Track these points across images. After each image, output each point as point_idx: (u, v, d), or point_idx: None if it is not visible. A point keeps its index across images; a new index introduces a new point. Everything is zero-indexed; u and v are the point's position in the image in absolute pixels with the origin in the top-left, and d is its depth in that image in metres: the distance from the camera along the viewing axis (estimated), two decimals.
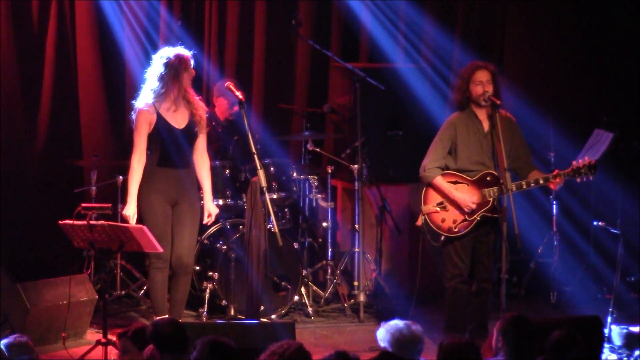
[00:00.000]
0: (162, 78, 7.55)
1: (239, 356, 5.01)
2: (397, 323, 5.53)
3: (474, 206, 7.41)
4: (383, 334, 5.51)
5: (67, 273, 8.01)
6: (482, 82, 7.45)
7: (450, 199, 7.46)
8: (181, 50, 7.63)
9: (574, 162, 7.44)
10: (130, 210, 7.54)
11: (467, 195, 7.43)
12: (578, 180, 7.45)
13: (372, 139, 9.25)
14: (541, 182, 7.45)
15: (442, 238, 7.48)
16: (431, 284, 8.79)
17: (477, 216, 7.44)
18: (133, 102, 7.68)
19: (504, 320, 5.47)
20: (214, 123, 8.99)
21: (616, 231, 8.32)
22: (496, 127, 7.41)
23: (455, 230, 7.45)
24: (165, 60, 7.55)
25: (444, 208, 7.47)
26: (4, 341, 5.36)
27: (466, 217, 7.44)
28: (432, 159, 7.50)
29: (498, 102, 7.43)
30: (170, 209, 7.63)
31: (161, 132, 7.57)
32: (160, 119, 7.57)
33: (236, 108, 8.94)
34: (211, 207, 7.81)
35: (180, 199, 7.65)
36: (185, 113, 7.66)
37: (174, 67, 7.53)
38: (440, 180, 7.47)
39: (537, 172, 7.52)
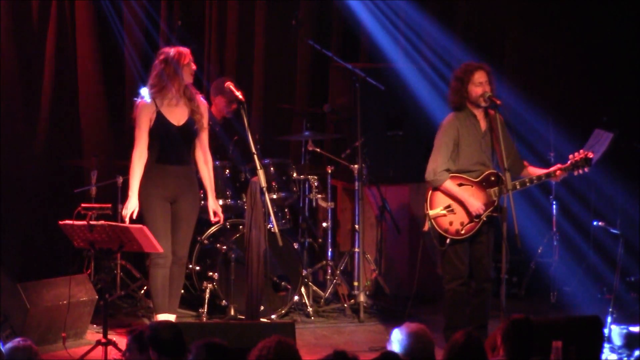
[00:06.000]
0: (161, 74, 7.57)
1: (236, 356, 5.00)
2: (410, 326, 5.48)
3: (482, 211, 7.40)
4: (396, 337, 5.46)
5: (67, 273, 8.01)
6: (481, 83, 7.45)
7: (459, 202, 7.43)
8: (180, 47, 7.68)
9: (571, 156, 7.47)
10: (132, 205, 7.54)
11: (476, 199, 7.41)
12: (575, 173, 7.47)
13: (372, 139, 9.25)
14: (543, 178, 7.48)
15: (448, 241, 7.44)
16: (430, 284, 8.79)
17: (484, 216, 7.43)
18: (135, 99, 7.70)
19: (507, 322, 5.46)
20: (210, 122, 9.00)
21: (616, 231, 8.33)
22: (495, 127, 7.41)
23: (462, 232, 7.42)
24: (164, 56, 7.59)
25: (452, 211, 7.44)
26: (8, 345, 5.34)
27: (474, 218, 7.43)
28: (440, 162, 7.43)
29: (498, 102, 7.43)
30: (169, 206, 7.65)
31: (159, 129, 7.59)
32: (159, 115, 7.59)
33: (234, 107, 8.95)
34: (215, 205, 7.82)
35: (179, 196, 7.66)
36: (185, 110, 7.67)
37: (173, 62, 7.56)
38: (450, 184, 7.43)
39: (530, 168, 7.55)
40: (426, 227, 7.50)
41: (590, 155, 7.43)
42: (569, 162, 7.46)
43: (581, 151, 7.48)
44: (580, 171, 7.45)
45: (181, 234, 7.68)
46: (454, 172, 7.46)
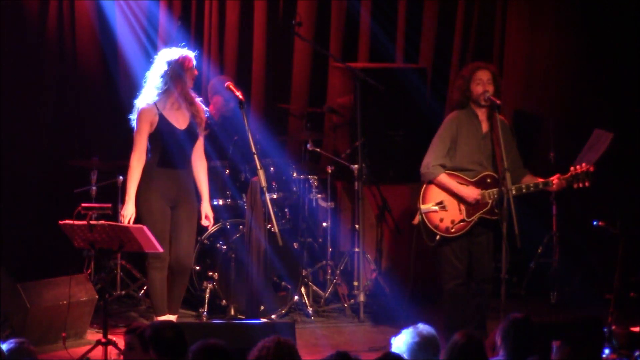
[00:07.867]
0: (165, 77, 7.55)
1: (235, 355, 5.00)
2: (420, 328, 5.45)
3: (478, 196, 7.38)
4: (403, 339, 5.43)
5: (67, 273, 8.00)
6: (482, 82, 7.46)
7: (454, 195, 7.43)
8: (185, 51, 7.65)
9: (572, 168, 7.45)
10: (128, 211, 7.53)
11: (471, 190, 7.42)
12: (575, 186, 7.46)
13: (372, 139, 9.25)
14: (540, 186, 7.47)
15: (438, 238, 7.46)
16: (429, 284, 8.78)
17: (475, 217, 7.43)
18: (135, 101, 7.68)
19: (507, 321, 5.47)
20: (209, 122, 9.00)
21: (616, 231, 8.32)
22: (495, 127, 7.42)
23: (452, 230, 7.44)
24: (168, 59, 7.57)
25: (443, 208, 7.46)
26: (4, 346, 5.33)
27: (465, 218, 7.43)
28: (434, 157, 7.47)
29: (498, 102, 7.43)
30: (169, 210, 7.63)
31: (162, 132, 7.57)
32: (162, 118, 7.57)
33: (231, 105, 8.95)
34: (208, 209, 7.80)
35: (180, 200, 7.64)
36: (187, 113, 7.66)
37: (177, 66, 7.54)
38: (445, 178, 7.45)
39: (530, 176, 7.53)
40: (416, 221, 7.52)
41: (592, 169, 7.41)
42: (569, 173, 7.45)
43: (583, 164, 7.45)
44: (580, 184, 7.43)
45: (185, 238, 7.64)
46: (449, 169, 7.47)
